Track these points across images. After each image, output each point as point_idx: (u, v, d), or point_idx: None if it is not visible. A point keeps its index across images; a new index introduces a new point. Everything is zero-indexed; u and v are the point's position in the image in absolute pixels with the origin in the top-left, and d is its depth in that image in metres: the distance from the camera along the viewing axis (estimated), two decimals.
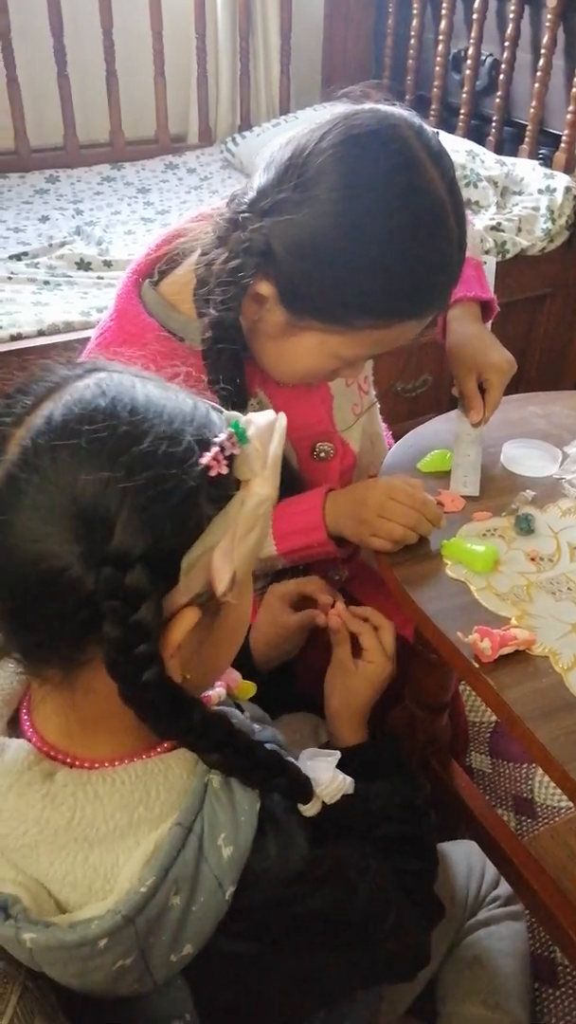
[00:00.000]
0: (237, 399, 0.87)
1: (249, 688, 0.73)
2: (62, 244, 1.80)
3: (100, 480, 0.46)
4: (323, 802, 0.61)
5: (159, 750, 0.56)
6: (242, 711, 0.70)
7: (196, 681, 0.57)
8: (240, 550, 0.51)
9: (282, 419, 0.56)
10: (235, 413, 0.56)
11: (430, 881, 0.78)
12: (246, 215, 0.78)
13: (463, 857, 1.03)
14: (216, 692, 0.66)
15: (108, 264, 1.72)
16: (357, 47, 2.53)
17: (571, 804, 1.09)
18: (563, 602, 0.80)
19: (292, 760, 0.62)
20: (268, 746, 0.62)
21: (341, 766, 0.66)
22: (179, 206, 2.07)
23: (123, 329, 0.88)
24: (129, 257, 1.73)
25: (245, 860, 0.54)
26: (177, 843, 0.53)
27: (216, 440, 0.51)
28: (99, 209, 2.02)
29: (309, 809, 0.60)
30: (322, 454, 1.01)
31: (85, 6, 2.11)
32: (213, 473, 0.50)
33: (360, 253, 0.74)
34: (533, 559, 0.86)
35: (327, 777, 0.62)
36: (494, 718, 1.44)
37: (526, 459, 1.01)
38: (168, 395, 0.53)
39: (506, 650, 0.73)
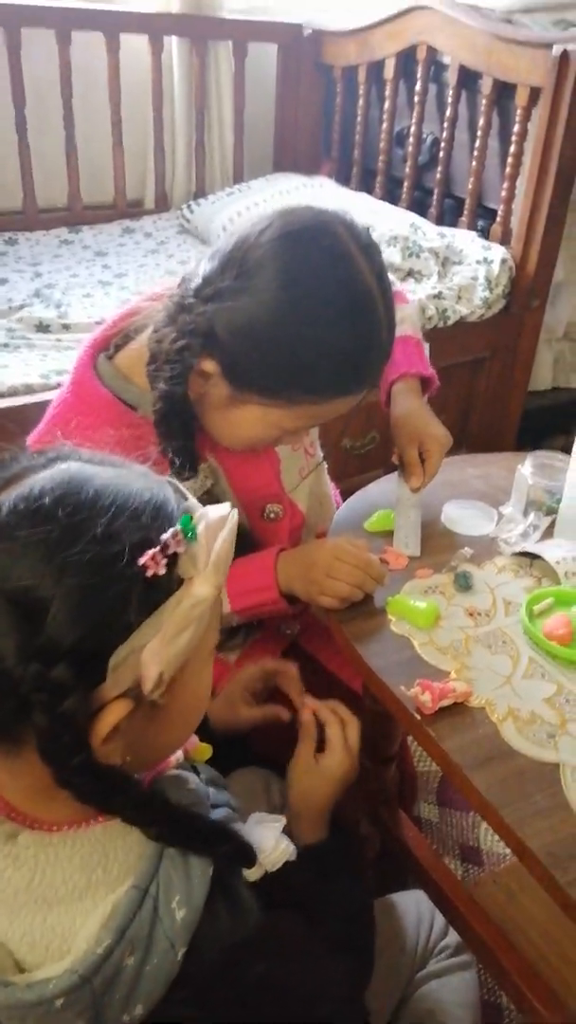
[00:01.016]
0: (189, 464, 0.92)
1: (205, 751, 0.75)
2: (21, 307, 1.85)
3: (34, 578, 0.49)
4: (266, 870, 0.63)
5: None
6: (198, 773, 0.72)
7: (145, 760, 0.60)
8: (171, 650, 0.52)
9: (234, 515, 0.58)
10: (193, 504, 0.58)
11: (361, 987, 0.78)
12: (191, 300, 0.84)
13: (413, 906, 1.05)
14: (174, 756, 0.68)
15: (67, 327, 1.77)
16: (307, 121, 2.67)
17: None
18: (498, 655, 0.86)
19: (236, 827, 0.64)
20: (220, 811, 0.65)
21: (299, 866, 0.69)
22: (136, 270, 2.14)
23: (79, 399, 0.93)
24: (88, 320, 1.79)
25: (197, 922, 0.56)
26: (133, 905, 0.54)
27: (160, 539, 0.52)
28: (57, 272, 2.08)
29: (251, 875, 0.62)
30: (272, 515, 1.06)
31: (47, 77, 2.21)
32: (149, 574, 0.51)
33: (297, 337, 0.80)
34: (471, 614, 0.92)
35: (270, 844, 0.64)
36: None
37: (465, 519, 1.07)
38: (124, 486, 0.54)
39: (445, 702, 0.78)
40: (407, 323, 1.18)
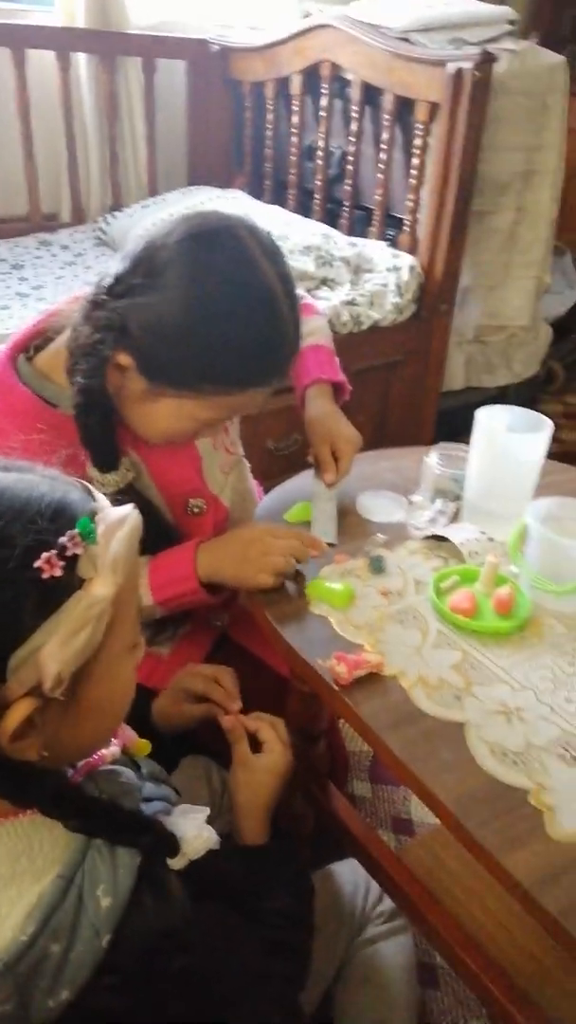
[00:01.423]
0: (109, 459, 0.96)
1: (144, 747, 0.78)
2: None
3: None
4: (190, 859, 0.66)
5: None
6: (138, 768, 0.76)
7: (66, 755, 0.63)
8: (69, 650, 0.53)
9: (135, 516, 0.60)
10: (100, 506, 0.59)
11: (295, 990, 0.81)
12: (104, 297, 0.89)
13: (349, 875, 1.11)
14: (111, 751, 0.71)
15: None
16: (219, 135, 2.73)
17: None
18: (409, 629, 0.92)
19: (159, 818, 0.68)
20: (155, 804, 0.68)
21: (245, 864, 0.74)
22: (54, 282, 2.15)
23: None
24: (5, 332, 1.80)
25: (123, 910, 0.58)
26: (58, 894, 0.57)
27: (58, 541, 0.53)
28: None
29: (175, 864, 0.65)
30: (195, 509, 1.11)
31: None
32: (46, 576, 0.52)
33: (203, 332, 0.85)
34: (384, 594, 0.98)
35: (192, 834, 0.67)
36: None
37: (377, 507, 1.14)
38: (23, 491, 0.56)
39: (360, 672, 0.84)
40: (319, 334, 1.25)
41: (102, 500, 0.62)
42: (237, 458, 1.20)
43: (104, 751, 0.70)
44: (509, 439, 1.01)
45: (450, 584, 0.98)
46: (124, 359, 0.89)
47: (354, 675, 0.84)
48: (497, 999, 0.90)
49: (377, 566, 1.02)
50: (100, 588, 0.55)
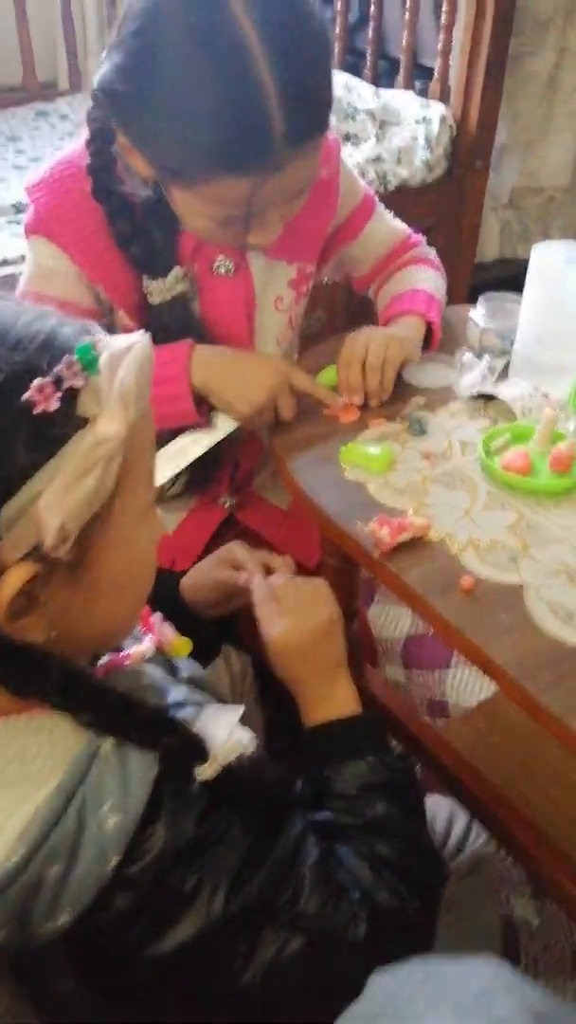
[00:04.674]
0: (160, 261, 0.88)
1: (183, 646, 0.68)
2: None
3: None
4: (220, 765, 0.56)
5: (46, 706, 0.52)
6: (176, 672, 0.67)
7: (80, 638, 0.54)
8: (73, 498, 0.45)
9: (143, 343, 0.50)
10: (100, 336, 0.50)
11: (408, 862, 0.64)
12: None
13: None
14: (140, 648, 0.62)
15: None
16: None
17: (481, 698, 1.15)
18: (456, 491, 0.84)
19: (184, 719, 0.57)
20: (186, 710, 0.58)
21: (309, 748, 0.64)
22: (53, 154, 1.98)
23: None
24: (4, 204, 1.67)
25: (135, 828, 0.51)
26: (56, 812, 0.50)
27: (53, 370, 0.45)
28: None
29: (204, 771, 0.55)
30: None
31: None
32: (38, 410, 0.45)
33: (149, 98, 0.72)
34: (427, 456, 0.89)
35: (223, 735, 0.57)
36: (406, 632, 1.49)
37: (426, 370, 1.04)
38: (16, 320, 0.48)
39: (404, 537, 0.76)
40: (426, 283, 1.09)
41: (103, 335, 0.52)
42: (292, 343, 1.10)
43: (134, 648, 0.62)
44: (569, 274, 0.89)
45: (501, 443, 0.89)
46: (121, 139, 0.78)
47: (398, 539, 0.76)
48: (550, 874, 0.86)
49: (418, 428, 0.93)
50: (108, 425, 0.46)
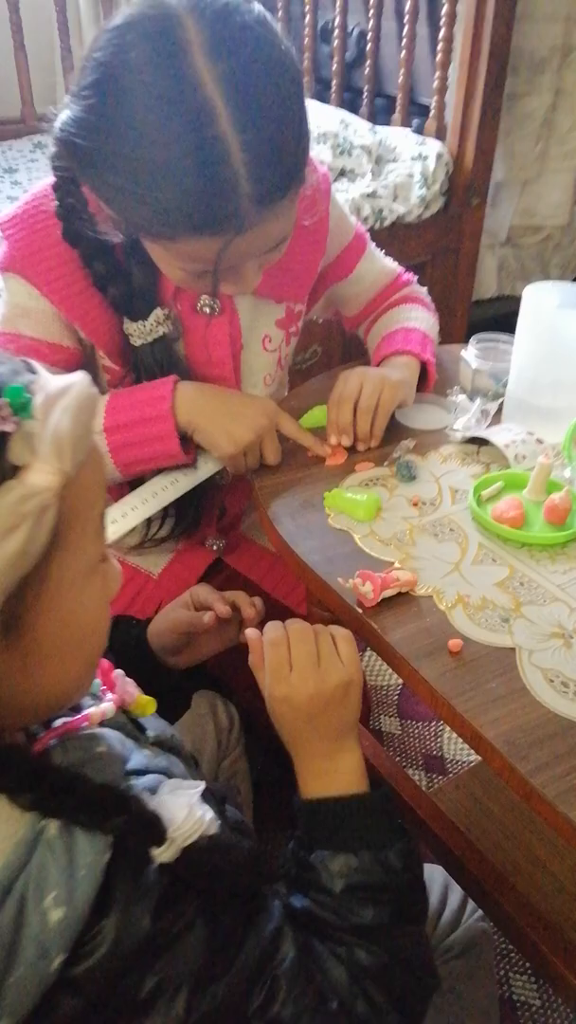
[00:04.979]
0: (139, 303, 0.85)
1: (148, 704, 0.63)
2: None
3: None
4: (180, 847, 0.50)
5: None
6: (142, 729, 0.62)
7: (22, 708, 0.49)
8: None
9: (82, 384, 0.46)
10: (38, 377, 0.46)
11: (390, 973, 0.57)
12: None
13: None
14: (100, 709, 0.56)
15: None
16: None
17: (478, 757, 1.09)
18: (445, 543, 0.79)
19: (144, 788, 0.52)
20: (148, 778, 0.53)
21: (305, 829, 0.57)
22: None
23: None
24: None
25: (82, 923, 0.45)
26: None
27: None
28: None
29: (161, 855, 0.49)
30: None
31: None
32: None
33: (121, 159, 0.67)
34: (415, 504, 0.84)
35: (182, 814, 0.51)
36: (400, 681, 1.43)
37: (420, 413, 1.00)
38: None
39: (388, 592, 0.71)
40: (420, 322, 1.06)
41: (46, 375, 0.47)
42: (281, 382, 1.06)
43: (93, 710, 0.56)
44: (562, 318, 0.85)
45: (493, 491, 0.84)
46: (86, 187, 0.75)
47: (382, 595, 0.71)
48: (546, 956, 0.80)
49: (406, 473, 0.88)
50: (38, 476, 0.42)
